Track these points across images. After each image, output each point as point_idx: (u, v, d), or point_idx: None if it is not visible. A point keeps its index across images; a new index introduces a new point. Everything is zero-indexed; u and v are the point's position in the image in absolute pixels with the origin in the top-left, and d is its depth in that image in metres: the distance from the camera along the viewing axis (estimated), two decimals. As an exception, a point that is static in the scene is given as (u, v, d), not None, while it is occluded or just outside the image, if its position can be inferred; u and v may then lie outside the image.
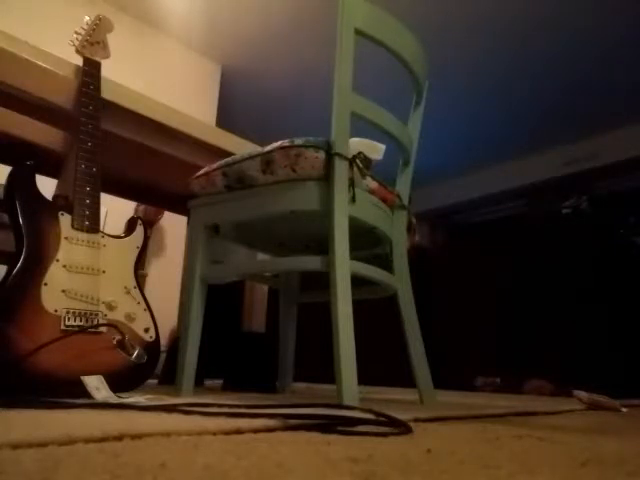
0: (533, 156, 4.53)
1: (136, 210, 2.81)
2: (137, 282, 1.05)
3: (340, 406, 0.80)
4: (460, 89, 3.72)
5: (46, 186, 1.06)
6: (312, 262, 0.98)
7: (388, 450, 0.46)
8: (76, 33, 1.23)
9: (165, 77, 3.27)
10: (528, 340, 2.34)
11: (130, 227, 1.11)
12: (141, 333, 1.01)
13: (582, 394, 1.27)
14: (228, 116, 3.87)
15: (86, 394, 0.83)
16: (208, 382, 1.67)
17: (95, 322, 0.94)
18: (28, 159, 0.97)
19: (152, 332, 1.03)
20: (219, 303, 1.89)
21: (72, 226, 0.98)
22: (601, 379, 1.89)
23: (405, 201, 1.24)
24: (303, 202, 0.99)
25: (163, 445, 0.43)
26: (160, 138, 1.33)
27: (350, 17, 1.00)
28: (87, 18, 1.27)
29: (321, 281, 1.07)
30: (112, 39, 1.28)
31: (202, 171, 1.15)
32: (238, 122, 4.05)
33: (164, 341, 1.22)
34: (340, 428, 0.57)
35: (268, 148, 1.02)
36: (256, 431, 0.54)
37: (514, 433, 0.65)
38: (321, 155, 0.98)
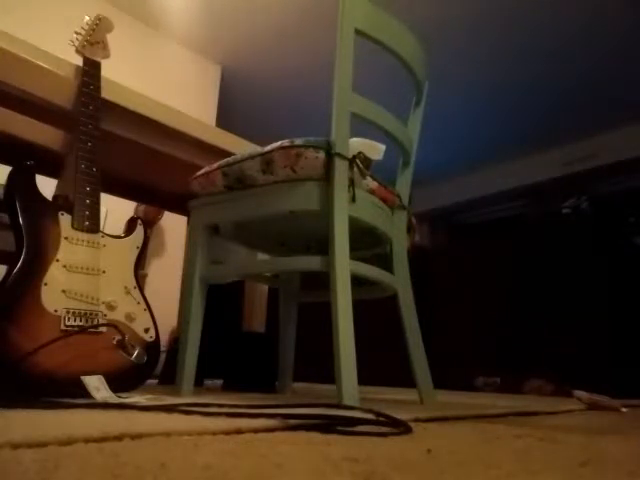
0: (533, 156, 4.53)
1: (136, 210, 2.81)
2: (137, 282, 1.05)
3: (340, 406, 0.80)
4: (460, 89, 3.72)
5: (46, 186, 1.06)
6: (312, 262, 0.98)
7: (388, 450, 0.46)
8: (76, 33, 1.23)
9: (165, 77, 3.26)
10: (528, 340, 2.34)
11: (130, 227, 1.11)
12: (141, 333, 1.01)
13: (582, 394, 1.27)
14: (228, 116, 3.87)
15: (86, 394, 0.83)
16: (208, 382, 1.67)
17: (95, 322, 0.94)
18: (28, 159, 0.97)
19: (152, 332, 1.03)
20: (219, 303, 1.89)
21: (72, 226, 0.97)
22: (601, 379, 1.89)
23: (405, 201, 1.24)
24: (303, 202, 0.99)
25: (163, 445, 0.43)
26: (160, 138, 1.33)
27: (350, 17, 1.00)
28: (87, 18, 1.27)
29: (321, 281, 1.07)
30: (112, 39, 1.28)
31: (202, 171, 1.15)
32: (238, 122, 4.05)
33: (164, 341, 1.22)
34: (340, 428, 0.57)
35: (268, 148, 1.02)
36: (256, 431, 0.54)
37: (514, 433, 0.65)
38: (321, 155, 0.98)
